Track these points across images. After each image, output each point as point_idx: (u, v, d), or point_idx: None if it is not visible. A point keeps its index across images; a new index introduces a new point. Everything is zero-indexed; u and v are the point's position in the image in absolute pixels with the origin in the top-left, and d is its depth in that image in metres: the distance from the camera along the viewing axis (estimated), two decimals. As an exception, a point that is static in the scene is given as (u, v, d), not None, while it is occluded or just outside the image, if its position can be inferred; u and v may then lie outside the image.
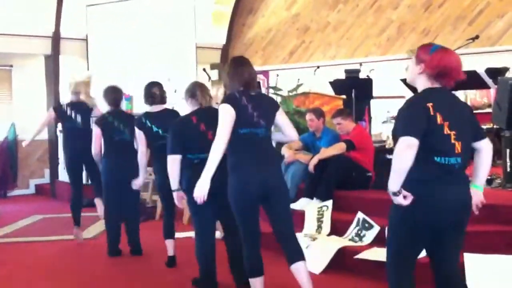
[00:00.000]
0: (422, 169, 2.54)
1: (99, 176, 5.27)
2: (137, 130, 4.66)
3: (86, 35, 9.94)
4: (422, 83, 2.67)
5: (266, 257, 3.53)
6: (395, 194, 2.53)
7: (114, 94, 5.18)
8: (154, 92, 4.68)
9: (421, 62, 2.65)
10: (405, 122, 2.57)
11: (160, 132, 4.55)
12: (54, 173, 9.64)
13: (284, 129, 3.51)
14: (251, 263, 3.41)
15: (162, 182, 4.45)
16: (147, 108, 4.73)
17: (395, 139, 2.58)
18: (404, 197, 2.52)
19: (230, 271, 3.98)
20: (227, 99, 3.35)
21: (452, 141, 2.56)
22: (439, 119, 2.54)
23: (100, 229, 6.20)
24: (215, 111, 3.44)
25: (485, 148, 2.73)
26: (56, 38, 9.66)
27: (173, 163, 3.83)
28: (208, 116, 3.81)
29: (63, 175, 9.07)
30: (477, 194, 2.79)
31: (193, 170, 3.69)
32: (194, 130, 3.82)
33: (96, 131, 5.12)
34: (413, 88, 6.50)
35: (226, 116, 3.25)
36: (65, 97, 9.75)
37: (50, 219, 7.34)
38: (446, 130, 2.55)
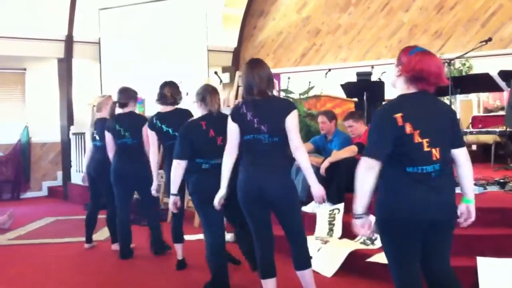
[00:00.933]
0: (394, 180, 2.54)
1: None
2: (149, 131, 4.69)
3: (98, 39, 10.01)
4: (400, 87, 2.63)
5: (279, 259, 3.53)
6: (357, 217, 2.55)
7: (119, 95, 5.16)
8: (165, 93, 4.69)
9: (399, 65, 2.62)
10: (371, 140, 2.57)
11: (170, 131, 4.57)
12: (66, 176, 9.71)
13: (288, 134, 3.34)
14: (262, 264, 3.43)
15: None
16: (159, 108, 4.75)
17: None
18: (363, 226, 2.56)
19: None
20: (231, 111, 3.49)
21: (426, 148, 2.50)
22: (408, 128, 2.49)
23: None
24: (225, 117, 3.50)
25: (461, 157, 2.66)
26: (69, 42, 9.74)
27: (177, 167, 3.85)
28: (218, 122, 3.83)
29: (75, 178, 9.15)
30: (468, 209, 2.72)
31: (201, 174, 3.79)
32: (204, 135, 3.84)
33: (106, 135, 5.15)
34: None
35: (229, 128, 3.43)
36: (79, 101, 9.90)
37: (63, 221, 7.39)
38: (417, 139, 2.49)
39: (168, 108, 4.70)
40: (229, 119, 3.40)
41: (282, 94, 7.83)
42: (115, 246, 5.42)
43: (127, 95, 5.15)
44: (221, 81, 8.19)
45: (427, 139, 2.50)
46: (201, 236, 5.10)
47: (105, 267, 4.94)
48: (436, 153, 2.51)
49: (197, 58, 10.35)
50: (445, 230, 2.64)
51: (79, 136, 9.12)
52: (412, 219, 2.52)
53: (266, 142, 3.31)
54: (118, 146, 5.06)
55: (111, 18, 10.03)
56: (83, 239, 5.82)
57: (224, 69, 11.36)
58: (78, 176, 9.00)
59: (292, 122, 3.32)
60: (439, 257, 2.67)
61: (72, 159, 9.42)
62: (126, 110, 5.12)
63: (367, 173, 2.49)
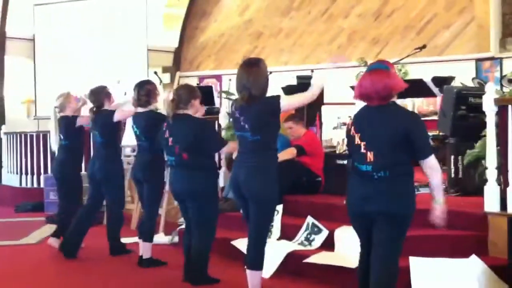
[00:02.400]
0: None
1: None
2: None
3: (33, 35, 9.67)
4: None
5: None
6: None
7: (93, 96, 5.11)
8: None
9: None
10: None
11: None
12: (-3, 177, 9.32)
13: None
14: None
15: None
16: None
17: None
18: None
19: None
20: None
21: (362, 150, 2.94)
22: (352, 131, 3.01)
23: (45, 234, 6.01)
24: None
25: (424, 167, 3.04)
26: (1, 37, 9.36)
27: None
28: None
29: (7, 179, 8.80)
30: (435, 209, 3.19)
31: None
32: None
33: None
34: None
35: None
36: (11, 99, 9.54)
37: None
38: (357, 141, 2.96)
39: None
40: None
41: (223, 96, 7.81)
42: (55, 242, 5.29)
43: (99, 96, 5.09)
44: (161, 81, 8.08)
45: (364, 143, 2.95)
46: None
47: (42, 269, 4.76)
48: (370, 156, 2.92)
49: (137, 57, 10.17)
50: (379, 224, 2.98)
51: (11, 136, 8.77)
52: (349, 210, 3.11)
53: (251, 140, 3.49)
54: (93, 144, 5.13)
55: (47, 15, 9.72)
56: (15, 242, 5.62)
57: (165, 69, 11.22)
58: (10, 177, 8.67)
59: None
60: (374, 250, 3.03)
61: (4, 159, 9.04)
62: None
63: None
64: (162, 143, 4.10)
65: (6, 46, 9.46)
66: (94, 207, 5.23)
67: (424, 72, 7.27)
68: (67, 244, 5.04)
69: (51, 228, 5.94)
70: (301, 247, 4.61)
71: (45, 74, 9.50)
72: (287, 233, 4.88)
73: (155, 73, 8.29)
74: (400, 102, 8.82)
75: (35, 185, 8.36)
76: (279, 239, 4.87)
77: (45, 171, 8.15)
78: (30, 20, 9.61)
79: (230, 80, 7.63)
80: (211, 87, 8.22)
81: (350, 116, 3.03)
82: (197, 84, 10.85)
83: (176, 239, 5.51)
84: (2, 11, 9.27)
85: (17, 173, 8.61)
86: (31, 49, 9.67)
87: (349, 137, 3.04)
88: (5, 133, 9.00)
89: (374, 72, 3.03)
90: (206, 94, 7.62)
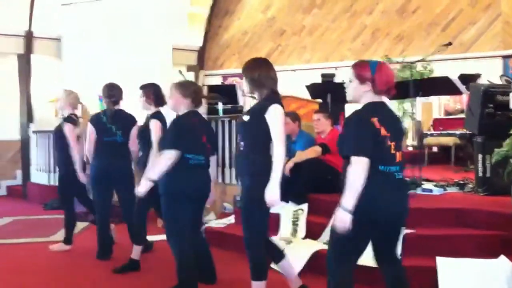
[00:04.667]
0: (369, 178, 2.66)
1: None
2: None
3: (60, 35, 9.81)
4: (368, 99, 2.80)
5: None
6: (345, 211, 2.63)
7: (111, 92, 4.99)
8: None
9: (367, 81, 2.76)
10: (353, 140, 2.70)
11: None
12: (26, 175, 9.48)
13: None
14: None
15: None
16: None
17: (344, 155, 2.74)
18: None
19: None
20: None
21: (392, 151, 2.75)
22: (383, 131, 2.71)
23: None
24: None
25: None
26: (28, 37, 9.52)
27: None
28: None
29: (36, 177, 8.94)
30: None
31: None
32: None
33: (90, 129, 4.95)
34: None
35: None
36: (38, 97, 9.69)
37: (21, 221, 7.20)
38: (388, 142, 2.73)
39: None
40: None
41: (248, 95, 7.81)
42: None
43: (118, 93, 5.02)
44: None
45: (394, 143, 2.76)
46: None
47: (65, 267, 4.85)
48: (398, 155, 2.77)
49: (162, 56, 10.25)
50: (396, 226, 2.93)
51: (40, 134, 8.92)
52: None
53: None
54: (105, 144, 4.89)
55: (73, 14, 9.84)
56: (42, 239, 5.72)
57: (189, 68, 11.30)
58: (38, 175, 8.81)
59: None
60: (391, 255, 3.03)
61: (32, 157, 9.20)
62: (117, 107, 5.02)
63: (362, 171, 2.62)
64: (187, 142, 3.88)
65: (33, 46, 9.61)
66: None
67: (449, 69, 7.21)
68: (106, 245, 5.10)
69: (78, 225, 6.03)
70: (327, 247, 4.60)
71: (72, 73, 9.63)
72: (312, 232, 4.89)
73: (180, 71, 8.34)
74: (425, 100, 8.81)
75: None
76: (304, 238, 4.89)
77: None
78: (57, 20, 9.74)
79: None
80: (234, 85, 8.26)
81: (376, 116, 2.70)
82: (222, 82, 10.92)
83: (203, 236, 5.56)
84: (30, 11, 9.42)
85: (45, 171, 8.75)
86: (58, 48, 9.80)
87: (379, 138, 2.69)
88: (33, 132, 9.15)
89: (387, 64, 2.92)
90: (230, 93, 7.70)
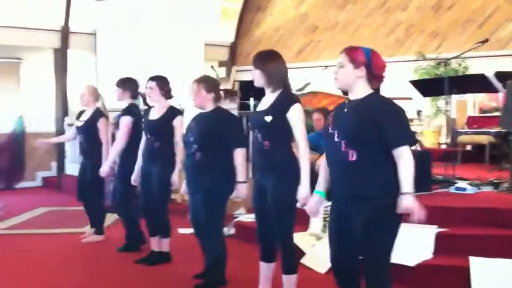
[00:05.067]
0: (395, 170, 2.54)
1: None
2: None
3: (95, 30, 9.97)
4: (361, 87, 2.65)
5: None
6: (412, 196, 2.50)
7: (134, 85, 5.12)
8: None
9: (362, 65, 2.62)
10: (407, 128, 2.61)
11: None
12: (60, 166, 9.69)
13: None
14: None
15: None
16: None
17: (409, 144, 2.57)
18: None
19: None
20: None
21: None
22: None
23: (105, 223, 6.22)
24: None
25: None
26: (65, 32, 9.71)
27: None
28: None
29: (70, 169, 9.12)
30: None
31: None
32: None
33: (129, 122, 4.93)
34: (423, 90, 6.48)
35: None
36: (74, 91, 9.86)
37: (56, 211, 7.37)
38: None
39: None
40: None
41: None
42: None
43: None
44: (217, 75, 8.19)
45: None
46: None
47: (99, 257, 4.94)
48: None
49: (194, 51, 10.32)
50: None
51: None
52: None
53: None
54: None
55: (108, 10, 9.98)
56: (75, 230, 5.84)
57: (221, 64, 11.35)
58: (72, 167, 8.97)
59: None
60: None
61: (67, 149, 9.38)
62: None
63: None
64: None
65: (70, 40, 9.78)
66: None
67: (485, 67, 7.07)
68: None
69: (111, 216, 6.14)
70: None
71: (106, 67, 9.78)
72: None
73: (212, 67, 8.40)
74: (459, 97, 8.66)
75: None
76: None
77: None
78: (92, 15, 9.89)
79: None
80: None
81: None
82: (252, 78, 10.94)
83: (233, 231, 5.60)
84: (66, 6, 9.59)
85: (79, 163, 8.88)
86: (93, 43, 9.96)
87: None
88: (68, 125, 9.34)
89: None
90: (261, 88, 7.71)
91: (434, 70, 9.16)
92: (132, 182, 4.75)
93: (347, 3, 10.73)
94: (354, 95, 2.67)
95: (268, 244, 3.49)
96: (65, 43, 9.73)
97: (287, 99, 3.35)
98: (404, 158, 2.52)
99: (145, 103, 5.21)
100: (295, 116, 3.29)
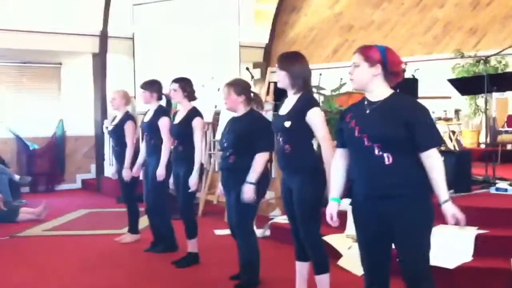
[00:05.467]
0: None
1: None
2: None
3: (132, 34, 10.13)
4: (380, 86, 2.59)
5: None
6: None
7: (159, 87, 5.22)
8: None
9: (377, 63, 2.57)
10: (437, 131, 2.57)
11: None
12: (100, 169, 9.88)
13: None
14: None
15: None
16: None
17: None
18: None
19: None
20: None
21: None
22: None
23: (144, 224, 6.31)
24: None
25: None
26: (103, 37, 9.88)
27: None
28: None
29: (108, 171, 9.27)
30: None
31: None
32: None
33: (168, 122, 4.99)
34: (461, 89, 6.34)
35: None
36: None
37: (95, 213, 7.52)
38: None
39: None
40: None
41: (314, 91, 7.78)
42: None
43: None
44: (252, 77, 8.21)
45: None
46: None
47: (136, 259, 5.02)
48: None
49: (229, 53, 10.38)
50: None
51: (112, 130, 9.23)
52: None
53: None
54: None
55: (145, 14, 10.13)
56: (115, 231, 5.95)
57: (255, 65, 11.35)
58: (110, 170, 9.12)
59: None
60: None
61: (105, 152, 9.56)
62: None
63: None
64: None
65: (108, 45, 9.97)
66: None
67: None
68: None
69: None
70: (394, 245, 4.53)
71: (144, 71, 9.92)
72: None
73: (247, 68, 8.42)
74: (499, 95, 8.47)
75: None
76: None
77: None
78: (130, 20, 10.06)
79: (320, 74, 7.60)
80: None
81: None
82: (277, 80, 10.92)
83: (268, 232, 5.61)
84: (104, 11, 9.77)
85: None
86: (130, 47, 10.12)
87: None
88: (107, 128, 9.50)
89: None
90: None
91: (473, 68, 8.98)
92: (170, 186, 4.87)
93: (383, 1, 10.61)
94: (373, 96, 2.60)
95: (301, 243, 3.49)
96: (103, 48, 9.91)
97: (305, 103, 3.33)
98: (435, 161, 2.49)
99: (169, 104, 5.28)
100: (314, 120, 3.28)
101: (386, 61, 2.57)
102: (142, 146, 5.35)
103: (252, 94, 4.03)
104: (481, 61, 6.30)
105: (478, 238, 4.08)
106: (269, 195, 6.33)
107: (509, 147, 8.23)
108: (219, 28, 10.30)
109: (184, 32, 10.12)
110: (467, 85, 6.23)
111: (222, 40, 10.32)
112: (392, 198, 2.51)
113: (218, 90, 7.18)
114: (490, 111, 6.62)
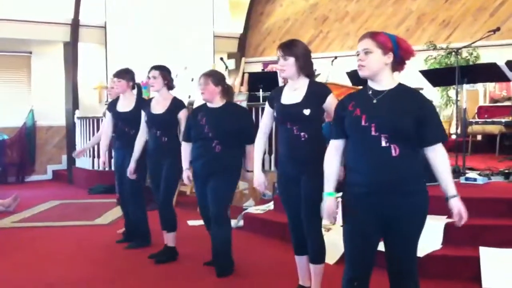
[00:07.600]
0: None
1: None
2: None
3: (104, 23, 9.99)
4: (387, 75, 2.50)
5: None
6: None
7: (133, 75, 5.04)
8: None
9: (390, 51, 2.46)
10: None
11: None
12: (71, 160, 9.74)
13: None
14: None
15: None
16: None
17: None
18: None
19: None
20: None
21: None
22: None
23: (116, 215, 6.25)
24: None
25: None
26: (75, 25, 9.73)
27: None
28: None
29: (80, 162, 9.18)
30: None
31: None
32: None
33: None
34: (433, 80, 6.40)
35: None
36: (84, 85, 9.91)
37: (67, 204, 7.42)
38: None
39: None
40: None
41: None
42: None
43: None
44: (226, 67, 8.17)
45: None
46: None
47: (109, 251, 4.96)
48: None
49: (203, 44, 10.32)
50: None
51: (84, 120, 9.14)
52: None
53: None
54: None
55: (117, 2, 10.00)
56: (87, 222, 5.87)
57: (230, 55, 11.32)
58: (83, 160, 9.04)
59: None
60: None
61: (77, 143, 9.44)
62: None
63: None
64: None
65: (80, 34, 9.81)
66: None
67: (497, 56, 6.99)
68: None
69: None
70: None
71: (116, 60, 9.80)
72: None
73: (221, 59, 8.38)
74: (470, 87, 8.57)
75: (107, 168, 8.62)
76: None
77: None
78: (102, 8, 9.91)
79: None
80: (275, 72, 8.22)
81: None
82: (262, 69, 10.91)
83: (241, 222, 5.61)
84: (76, 0, 9.61)
85: (90, 156, 8.95)
86: (102, 36, 9.98)
87: None
88: (78, 118, 9.38)
89: None
90: (270, 80, 7.68)
91: (445, 60, 9.09)
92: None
93: (357, -7, 10.65)
94: (380, 85, 2.50)
95: (300, 238, 3.40)
96: (75, 36, 9.75)
97: (321, 89, 3.29)
98: (443, 156, 2.46)
99: (140, 93, 5.15)
100: (332, 105, 3.07)
101: (397, 50, 2.47)
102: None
103: (226, 86, 4.02)
104: (453, 53, 6.36)
105: (447, 226, 4.14)
106: (243, 185, 6.33)
107: (479, 138, 8.36)
108: (193, 18, 10.23)
109: (158, 21, 10.02)
110: (438, 76, 6.29)
111: (196, 30, 10.26)
112: (398, 194, 2.42)
113: (192, 80, 7.14)
114: (461, 102, 6.70)
